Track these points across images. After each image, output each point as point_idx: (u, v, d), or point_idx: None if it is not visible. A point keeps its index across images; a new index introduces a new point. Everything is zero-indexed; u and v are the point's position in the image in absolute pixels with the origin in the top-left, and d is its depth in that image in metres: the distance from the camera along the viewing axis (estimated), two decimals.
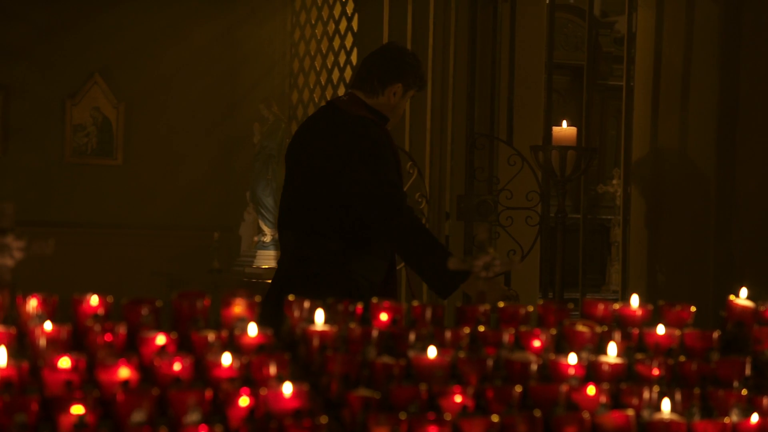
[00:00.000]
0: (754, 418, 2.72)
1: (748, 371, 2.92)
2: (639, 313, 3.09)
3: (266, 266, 7.99)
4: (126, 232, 9.07)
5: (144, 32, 9.07)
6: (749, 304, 3.14)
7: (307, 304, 2.83)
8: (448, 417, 2.56)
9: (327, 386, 2.66)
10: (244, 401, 2.47)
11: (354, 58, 8.42)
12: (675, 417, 2.69)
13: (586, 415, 2.65)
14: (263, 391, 2.49)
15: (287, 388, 2.50)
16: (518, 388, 2.68)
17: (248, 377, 2.59)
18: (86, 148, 9.08)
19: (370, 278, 4.69)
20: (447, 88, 7.23)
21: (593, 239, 8.93)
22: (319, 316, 2.77)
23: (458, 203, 6.23)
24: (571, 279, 6.45)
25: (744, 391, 2.80)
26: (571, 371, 2.82)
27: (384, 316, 2.94)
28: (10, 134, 8.89)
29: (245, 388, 2.48)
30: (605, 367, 2.85)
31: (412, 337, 2.84)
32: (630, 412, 2.67)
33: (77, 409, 2.33)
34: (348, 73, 8.54)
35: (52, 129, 9.01)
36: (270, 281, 7.61)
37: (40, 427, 2.30)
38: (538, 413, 2.62)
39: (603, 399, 2.73)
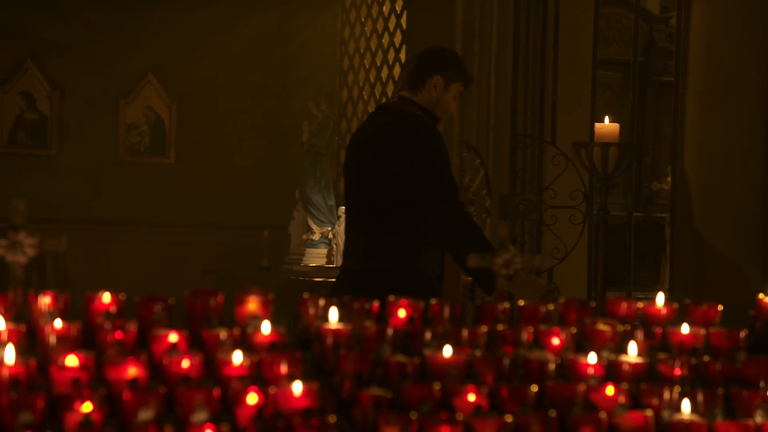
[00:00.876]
0: None
1: None
2: (664, 311, 3.04)
3: (314, 264, 8.00)
4: (178, 230, 9.11)
5: (196, 30, 9.11)
6: None
7: (322, 302, 2.81)
8: (460, 417, 2.53)
9: (339, 385, 2.64)
10: (252, 399, 2.46)
11: (402, 55, 8.40)
12: (695, 418, 2.64)
13: (603, 415, 2.60)
14: (272, 390, 2.47)
15: (297, 387, 2.48)
16: (534, 388, 2.64)
17: (259, 376, 2.57)
18: (139, 147, 9.14)
19: (436, 270, 4.78)
20: (490, 87, 7.21)
21: (647, 237, 8.83)
22: (333, 314, 2.75)
23: (501, 203, 6.19)
24: (622, 277, 6.39)
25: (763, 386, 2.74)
26: (590, 371, 2.78)
27: (402, 313, 2.91)
28: (64, 133, 8.97)
29: (253, 387, 2.47)
30: (625, 367, 2.80)
31: (428, 335, 2.81)
32: (649, 412, 2.62)
33: (85, 407, 2.32)
34: (396, 71, 8.52)
35: (106, 128, 9.07)
36: (318, 279, 7.67)
37: (45, 426, 2.29)
38: (553, 413, 2.59)
39: (622, 399, 2.69)
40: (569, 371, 2.80)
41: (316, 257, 8.12)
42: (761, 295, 3.08)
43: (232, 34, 9.14)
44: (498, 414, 2.57)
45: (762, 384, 2.84)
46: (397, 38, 8.53)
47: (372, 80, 8.84)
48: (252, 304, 2.74)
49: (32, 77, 8.88)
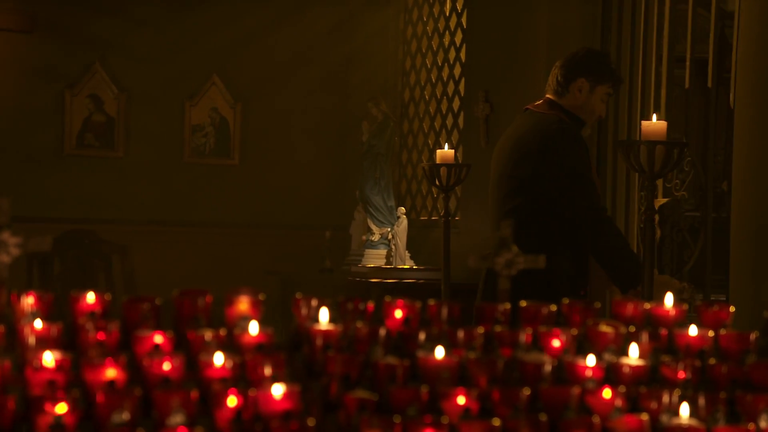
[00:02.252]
0: None
1: None
2: (672, 313, 2.95)
3: (372, 265, 7.96)
4: (241, 231, 9.13)
5: (259, 31, 9.12)
6: None
7: (314, 302, 2.77)
8: (445, 420, 2.48)
9: (327, 387, 2.60)
10: (231, 402, 2.43)
11: (462, 54, 8.33)
12: (694, 422, 2.56)
13: (596, 419, 2.53)
14: (252, 392, 2.44)
15: (277, 389, 2.45)
16: (526, 391, 2.58)
17: (243, 378, 2.54)
18: (204, 149, 9.17)
19: (569, 272, 4.92)
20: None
21: (719, 238, 8.64)
22: (324, 314, 2.71)
23: None
24: (697, 280, 6.28)
25: None
26: (589, 373, 2.71)
27: (398, 314, 2.86)
28: (131, 135, 9.04)
29: (233, 389, 2.44)
30: (626, 370, 2.73)
31: (422, 336, 2.76)
32: (644, 416, 2.55)
33: (59, 409, 2.31)
34: (457, 70, 8.46)
35: (172, 129, 9.12)
36: (375, 280, 7.63)
37: (16, 428, 2.28)
38: (543, 417, 2.52)
39: (619, 403, 2.62)
40: (567, 374, 2.73)
41: (375, 258, 8.08)
42: None
43: (294, 35, 9.14)
44: (488, 417, 2.51)
45: None
46: (458, 37, 8.47)
47: (433, 80, 8.78)
48: (242, 305, 2.71)
49: (100, 80, 8.95)
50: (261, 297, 2.72)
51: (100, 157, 8.96)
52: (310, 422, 2.40)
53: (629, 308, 2.93)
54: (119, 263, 8.80)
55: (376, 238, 8.15)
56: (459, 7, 8.43)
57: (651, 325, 2.96)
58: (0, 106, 8.74)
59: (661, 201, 6.39)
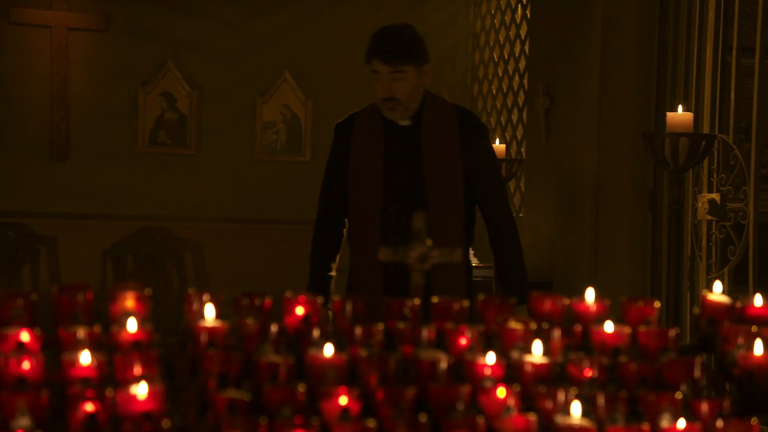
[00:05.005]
0: (681, 423, 2.41)
1: (697, 373, 2.59)
2: (593, 309, 2.79)
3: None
4: (312, 228, 9.07)
5: (329, 26, 9.08)
6: (724, 299, 2.78)
7: (206, 297, 2.67)
8: (316, 421, 2.37)
9: (204, 386, 2.51)
10: (88, 404, 2.35)
11: (527, 48, 8.17)
12: (585, 422, 2.41)
13: (480, 419, 2.40)
14: (110, 393, 2.36)
15: (141, 389, 2.37)
16: (411, 390, 2.46)
17: (112, 378, 2.47)
18: (276, 145, 9.15)
19: None
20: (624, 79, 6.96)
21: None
22: (210, 311, 2.62)
23: None
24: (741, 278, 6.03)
25: (678, 395, 2.48)
26: (487, 371, 2.57)
27: (299, 311, 2.75)
28: (203, 132, 9.07)
29: (90, 390, 2.36)
30: (527, 368, 2.58)
31: (315, 333, 2.64)
32: (532, 416, 2.40)
33: None
34: (522, 63, 8.29)
35: (243, 126, 9.12)
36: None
37: None
38: (423, 417, 2.40)
39: (512, 402, 2.47)
40: (465, 372, 2.60)
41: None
42: (705, 292, 2.80)
43: (365, 32, 9.04)
44: (365, 418, 2.40)
45: (683, 387, 2.57)
46: (523, 30, 8.30)
47: (500, 74, 8.62)
48: (127, 301, 2.63)
49: (173, 78, 9.00)
50: (147, 292, 2.63)
51: (173, 155, 9.00)
52: (165, 424, 2.32)
53: (547, 304, 2.77)
54: (191, 260, 8.83)
55: None
56: None
57: (573, 321, 2.80)
58: (76, 105, 8.84)
59: (707, 196, 6.15)
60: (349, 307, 2.74)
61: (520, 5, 8.30)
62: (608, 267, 7.07)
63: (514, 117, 8.40)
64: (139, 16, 8.91)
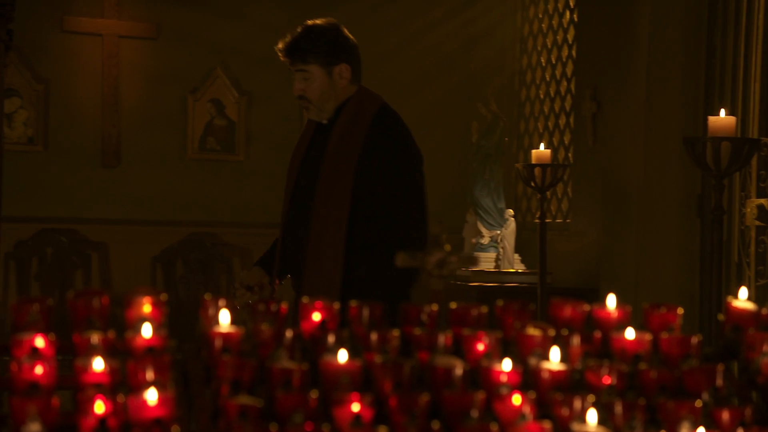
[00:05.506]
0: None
1: (719, 381, 2.54)
2: (614, 315, 2.75)
3: (479, 268, 7.79)
4: None
5: (376, 32, 9.05)
6: (749, 306, 2.73)
7: (222, 303, 2.66)
8: (326, 428, 2.35)
9: (217, 393, 2.50)
10: (99, 408, 2.35)
11: (574, 52, 8.11)
12: (601, 430, 2.37)
13: (494, 427, 2.37)
14: (120, 398, 2.35)
15: (151, 395, 2.36)
16: (425, 397, 2.43)
17: (125, 383, 2.46)
18: None
19: None
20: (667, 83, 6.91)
21: None
22: (225, 317, 2.61)
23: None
24: None
25: (698, 403, 2.43)
26: (503, 378, 2.54)
27: (316, 317, 2.74)
28: (251, 139, 9.09)
29: (100, 395, 2.36)
30: (545, 375, 2.55)
31: (330, 339, 2.63)
32: (547, 424, 2.37)
33: None
34: (570, 68, 8.23)
35: (290, 133, 9.10)
36: (477, 284, 7.48)
37: None
38: (436, 425, 2.38)
39: (527, 409, 2.44)
40: (481, 379, 2.57)
41: (485, 261, 7.91)
42: (730, 299, 2.75)
43: (410, 33, 9.06)
44: (376, 426, 2.38)
45: (705, 395, 2.53)
46: (570, 34, 8.25)
47: (547, 78, 8.57)
48: (143, 306, 2.63)
49: (221, 84, 9.04)
50: (163, 298, 2.63)
51: (222, 161, 9.04)
52: (175, 430, 2.31)
53: (567, 310, 2.74)
54: (240, 266, 8.85)
55: (485, 240, 7.98)
56: (572, 2, 8.20)
57: (591, 328, 2.76)
58: (126, 111, 8.90)
59: (755, 201, 6.07)
60: (365, 312, 2.72)
61: (567, 9, 8.26)
62: (655, 273, 7.00)
63: (562, 122, 8.35)
64: (188, 23, 8.96)
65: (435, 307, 2.73)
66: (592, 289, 7.28)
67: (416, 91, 9.08)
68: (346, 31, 4.65)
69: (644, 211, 7.03)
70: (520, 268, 7.89)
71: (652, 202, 7.03)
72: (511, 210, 8.04)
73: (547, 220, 8.29)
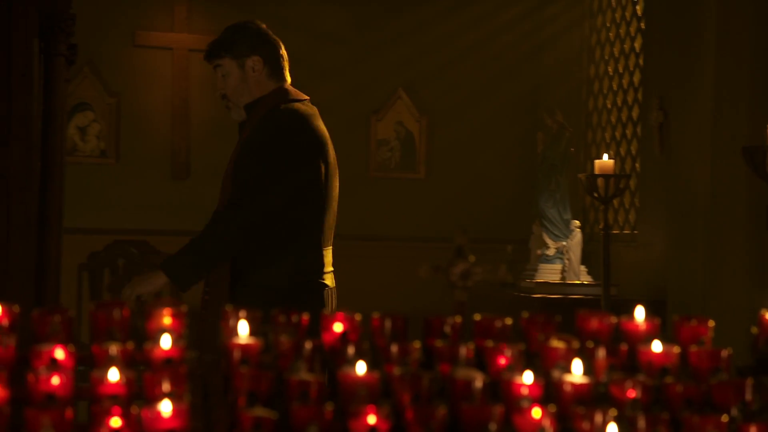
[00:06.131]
0: None
1: (748, 396, 2.48)
2: (643, 327, 2.69)
3: (542, 280, 7.72)
4: (427, 245, 9.02)
5: (444, 43, 9.05)
6: None
7: (243, 314, 2.65)
8: None
9: (234, 404, 2.49)
10: (115, 422, 2.35)
11: (641, 60, 8.02)
12: None
13: None
14: (135, 410, 2.35)
15: (166, 407, 2.35)
16: (442, 409, 2.40)
17: (141, 394, 2.46)
18: (390, 163, 9.14)
19: None
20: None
21: None
22: (243, 327, 2.59)
23: None
24: None
25: (725, 417, 2.37)
26: (524, 391, 2.49)
27: (338, 328, 2.71)
28: None
29: (117, 407, 2.36)
30: (567, 388, 2.50)
31: (350, 351, 2.60)
32: None
33: None
34: (637, 77, 8.14)
35: (357, 144, 9.14)
36: (541, 296, 7.41)
37: None
38: None
39: (547, 423, 2.40)
40: (502, 392, 2.52)
41: (550, 273, 7.84)
42: (764, 311, 2.68)
43: (479, 47, 9.02)
44: None
45: (733, 410, 2.46)
46: (638, 43, 8.16)
47: (615, 88, 8.49)
48: (163, 318, 2.62)
49: None
50: (183, 309, 2.62)
51: None
52: None
53: (594, 322, 2.69)
54: None
55: (551, 252, 7.90)
56: (639, 11, 8.11)
57: (619, 340, 2.71)
58: (196, 124, 8.99)
59: None
60: (387, 324, 2.69)
61: (635, 18, 8.17)
62: (724, 286, 6.89)
63: (629, 131, 8.25)
64: None
65: (459, 318, 2.70)
66: (659, 301, 7.19)
67: (481, 100, 9.05)
68: (264, 28, 4.62)
69: (712, 222, 6.92)
70: (586, 279, 7.81)
71: (720, 213, 6.92)
72: (577, 221, 7.96)
73: (615, 231, 8.22)
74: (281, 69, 4.57)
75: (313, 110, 4.57)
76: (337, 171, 4.64)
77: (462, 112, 9.09)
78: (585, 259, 7.93)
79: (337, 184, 4.65)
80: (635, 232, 7.99)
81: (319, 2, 9.02)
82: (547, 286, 7.58)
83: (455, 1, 9.08)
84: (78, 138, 8.95)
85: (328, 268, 4.57)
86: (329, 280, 4.58)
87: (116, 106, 8.97)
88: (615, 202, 7.95)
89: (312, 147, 4.45)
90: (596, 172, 6.49)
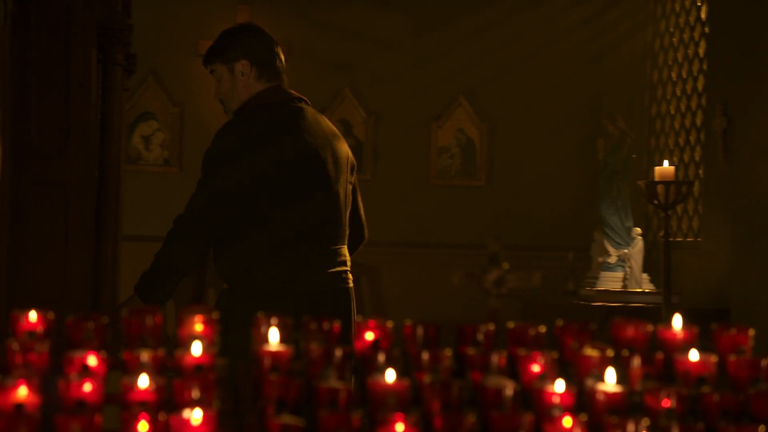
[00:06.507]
0: None
1: None
2: (680, 336, 2.65)
3: (603, 288, 7.64)
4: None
5: (506, 50, 9.02)
6: None
7: (275, 321, 2.64)
8: None
9: (263, 412, 2.48)
10: (143, 427, 2.35)
11: (705, 65, 7.92)
12: None
13: None
14: (163, 417, 2.35)
15: (195, 414, 2.35)
16: (471, 417, 2.37)
17: (171, 401, 2.46)
18: (450, 170, 9.12)
19: None
20: None
21: None
22: (274, 335, 2.59)
23: None
24: None
25: (762, 428, 2.33)
26: (555, 399, 2.46)
27: (369, 336, 2.70)
28: (379, 158, 9.11)
29: (144, 414, 2.36)
30: (599, 397, 2.46)
31: (380, 358, 2.58)
32: None
33: None
34: (701, 83, 8.04)
35: (418, 151, 9.13)
36: (601, 303, 7.34)
37: None
38: None
39: None
40: (534, 401, 2.49)
41: (611, 281, 7.76)
42: None
43: (535, 46, 8.98)
44: None
45: None
46: (702, 48, 8.06)
47: (678, 93, 8.39)
48: (195, 325, 2.62)
49: (349, 105, 9.09)
50: (215, 316, 2.62)
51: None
52: None
53: (629, 330, 2.65)
54: (368, 284, 8.86)
55: (612, 260, 7.83)
56: (704, 16, 8.02)
57: (656, 349, 2.67)
58: None
59: None
60: (419, 331, 2.67)
61: (699, 23, 8.08)
62: None
63: (692, 138, 8.16)
64: (317, 44, 9.01)
65: (492, 326, 2.67)
66: (723, 311, 7.09)
67: (542, 106, 9.00)
68: (257, 30, 4.61)
69: None
70: (648, 288, 7.73)
71: None
72: (638, 228, 7.89)
73: (678, 239, 8.12)
74: (272, 70, 4.55)
75: (291, 110, 4.53)
76: (330, 167, 4.54)
77: (523, 118, 9.04)
78: (648, 267, 7.85)
79: (337, 179, 4.58)
80: (698, 239, 7.89)
81: (378, 8, 9.02)
82: (608, 294, 7.51)
83: (515, 5, 9.04)
84: (142, 147, 9.03)
85: (310, 268, 4.49)
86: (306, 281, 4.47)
87: (179, 116, 9.04)
88: (678, 209, 7.87)
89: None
90: (656, 178, 6.42)
